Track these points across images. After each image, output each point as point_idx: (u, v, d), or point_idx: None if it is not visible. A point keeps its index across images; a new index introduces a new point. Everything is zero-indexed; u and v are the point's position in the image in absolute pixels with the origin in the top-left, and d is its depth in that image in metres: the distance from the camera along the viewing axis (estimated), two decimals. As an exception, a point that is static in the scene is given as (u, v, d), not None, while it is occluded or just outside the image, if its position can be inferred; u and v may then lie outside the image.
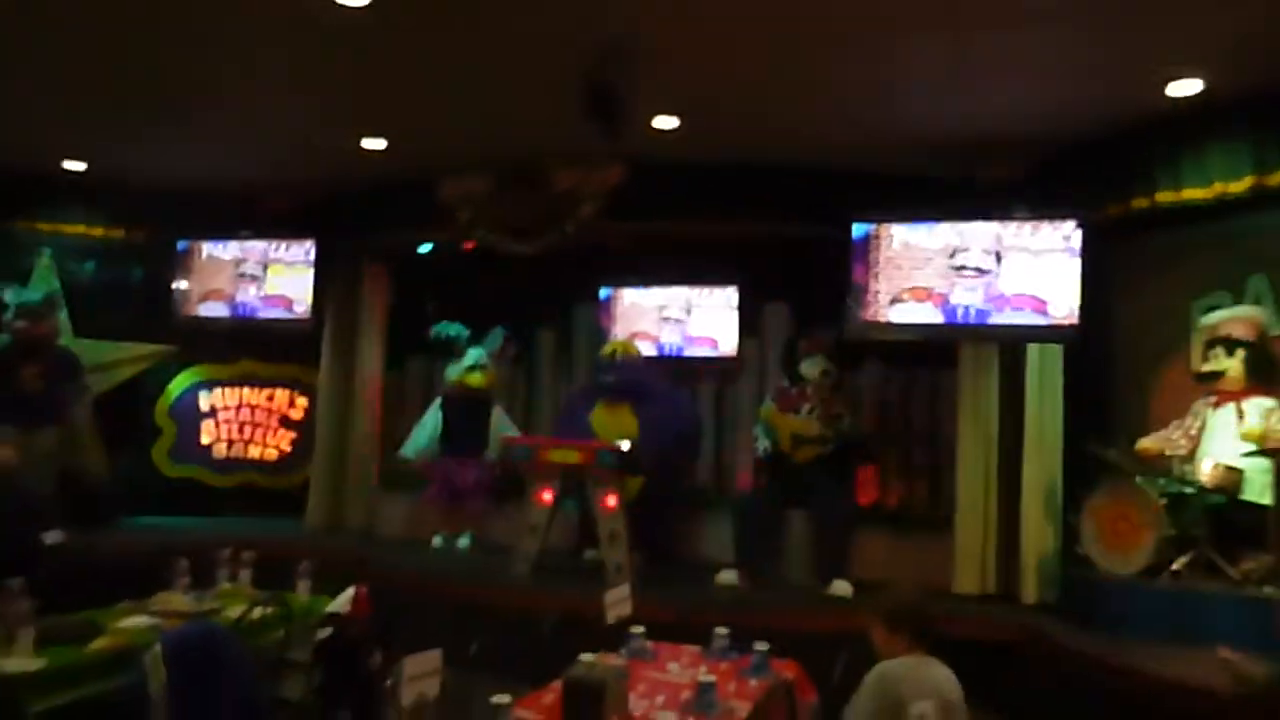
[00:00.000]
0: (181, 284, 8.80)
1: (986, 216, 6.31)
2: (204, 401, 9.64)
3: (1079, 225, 6.09)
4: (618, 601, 4.03)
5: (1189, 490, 5.62)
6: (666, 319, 8.36)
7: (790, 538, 7.19)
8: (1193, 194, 5.77)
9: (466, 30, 5.11)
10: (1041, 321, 6.18)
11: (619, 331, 8.33)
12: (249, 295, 8.59)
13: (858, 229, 6.54)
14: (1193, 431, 5.88)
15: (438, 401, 8.40)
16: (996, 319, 6.29)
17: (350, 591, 4.34)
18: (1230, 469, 5.51)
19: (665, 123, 6.31)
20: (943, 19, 4.77)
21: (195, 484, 9.45)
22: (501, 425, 8.26)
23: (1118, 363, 6.82)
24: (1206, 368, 5.91)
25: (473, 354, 8.19)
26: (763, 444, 7.15)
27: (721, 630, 4.14)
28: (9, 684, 3.27)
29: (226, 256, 8.65)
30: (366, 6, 4.72)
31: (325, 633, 4.23)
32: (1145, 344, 6.69)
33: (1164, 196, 5.90)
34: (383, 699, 4.23)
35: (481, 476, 8.12)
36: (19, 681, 3.36)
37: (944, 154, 6.50)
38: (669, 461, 7.44)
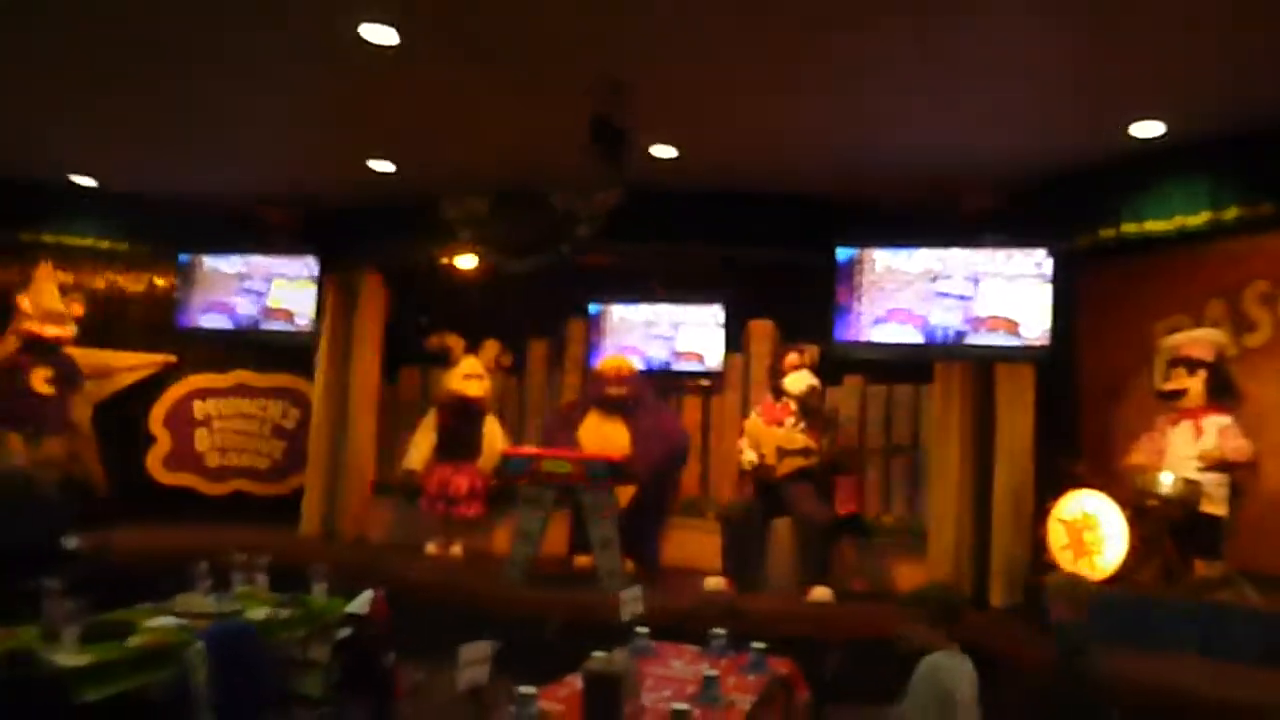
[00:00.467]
0: (183, 295, 8.96)
1: (963, 244, 6.63)
2: (198, 410, 9.81)
3: (1049, 253, 6.43)
4: (631, 600, 4.32)
5: (1150, 502, 5.97)
6: (653, 334, 8.59)
7: (774, 546, 7.49)
8: (1155, 226, 6.13)
9: (483, 66, 5.40)
10: (1014, 342, 6.50)
11: (608, 346, 8.57)
12: (251, 308, 8.76)
13: (842, 253, 6.85)
14: (1160, 447, 6.22)
15: (433, 412, 8.62)
16: (972, 339, 6.61)
17: (368, 594, 4.60)
18: (1189, 482, 5.86)
19: (663, 151, 6.62)
20: (927, 66, 5.11)
21: (188, 492, 9.61)
22: (494, 435, 8.48)
23: (1085, 381, 7.18)
24: (1168, 386, 6.27)
25: (468, 364, 8.43)
26: (748, 456, 7.40)
27: (719, 630, 4.43)
28: (61, 676, 3.50)
29: (229, 270, 8.83)
30: (395, 45, 5.01)
31: (345, 632, 4.48)
32: (1111, 364, 7.06)
33: (1128, 228, 6.25)
34: (396, 696, 4.53)
35: (474, 484, 8.33)
36: (69, 674, 3.59)
37: (925, 185, 6.85)
38: (659, 472, 7.71)
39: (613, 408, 7.74)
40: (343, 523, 9.10)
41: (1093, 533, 6.02)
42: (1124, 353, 6.98)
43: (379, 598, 4.59)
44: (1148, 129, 5.85)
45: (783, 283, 8.01)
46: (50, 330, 8.23)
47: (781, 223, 7.55)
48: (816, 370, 7.41)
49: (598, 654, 3.66)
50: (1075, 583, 5.10)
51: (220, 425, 9.87)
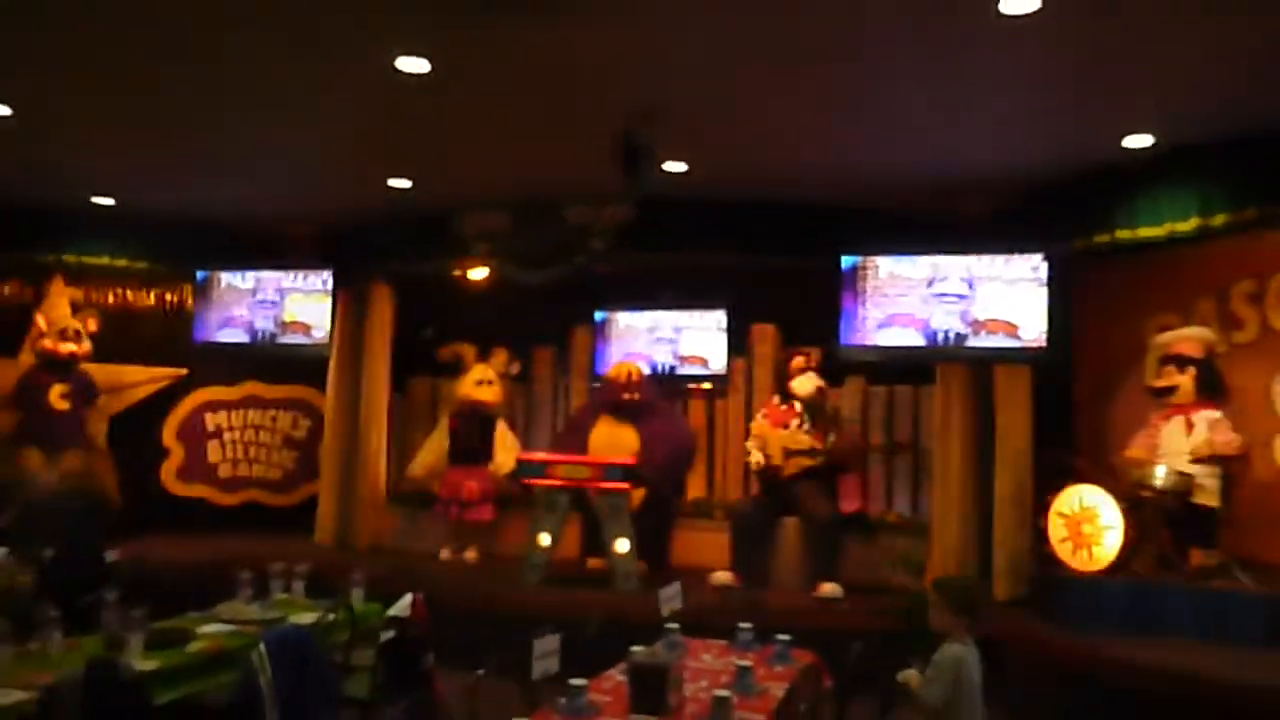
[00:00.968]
0: (198, 310, 9.14)
1: (963, 249, 6.87)
2: (210, 423, 9.97)
3: (1046, 258, 6.67)
4: (671, 597, 4.54)
5: (1146, 494, 6.22)
6: (659, 339, 8.78)
7: (782, 544, 7.71)
8: (1147, 232, 6.39)
9: (507, 92, 5.63)
10: (1012, 343, 6.74)
11: (614, 352, 8.76)
12: (265, 322, 8.93)
13: (845, 259, 7.08)
14: (1154, 441, 6.47)
15: (445, 420, 8.82)
16: (972, 341, 6.84)
17: (408, 598, 4.81)
18: (1182, 475, 6.12)
19: (675, 166, 6.86)
20: (928, 83, 5.37)
21: (201, 502, 9.79)
22: (506, 440, 8.67)
23: (1081, 379, 7.44)
24: (1160, 383, 6.53)
25: (479, 370, 8.63)
26: (755, 457, 7.63)
27: (745, 625, 4.64)
28: (142, 679, 3.70)
29: (245, 285, 9.00)
30: (427, 73, 5.22)
31: (388, 635, 4.70)
32: (1105, 362, 7.32)
33: (1122, 234, 6.51)
34: (435, 694, 4.74)
35: (486, 488, 8.52)
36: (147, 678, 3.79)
37: (925, 194, 7.11)
38: (668, 474, 7.93)
39: (622, 412, 7.96)
40: (356, 531, 9.28)
41: (1091, 525, 6.24)
42: (1118, 352, 7.24)
43: (418, 601, 4.80)
44: (1138, 141, 6.13)
45: (786, 287, 8.23)
46: (66, 348, 8.39)
47: (785, 230, 7.78)
48: (821, 372, 7.63)
49: (637, 648, 3.88)
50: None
51: (232, 437, 10.04)
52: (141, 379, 9.54)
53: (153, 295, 9.74)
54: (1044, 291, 6.61)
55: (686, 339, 8.72)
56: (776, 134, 6.32)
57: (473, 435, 8.62)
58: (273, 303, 8.86)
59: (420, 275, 8.92)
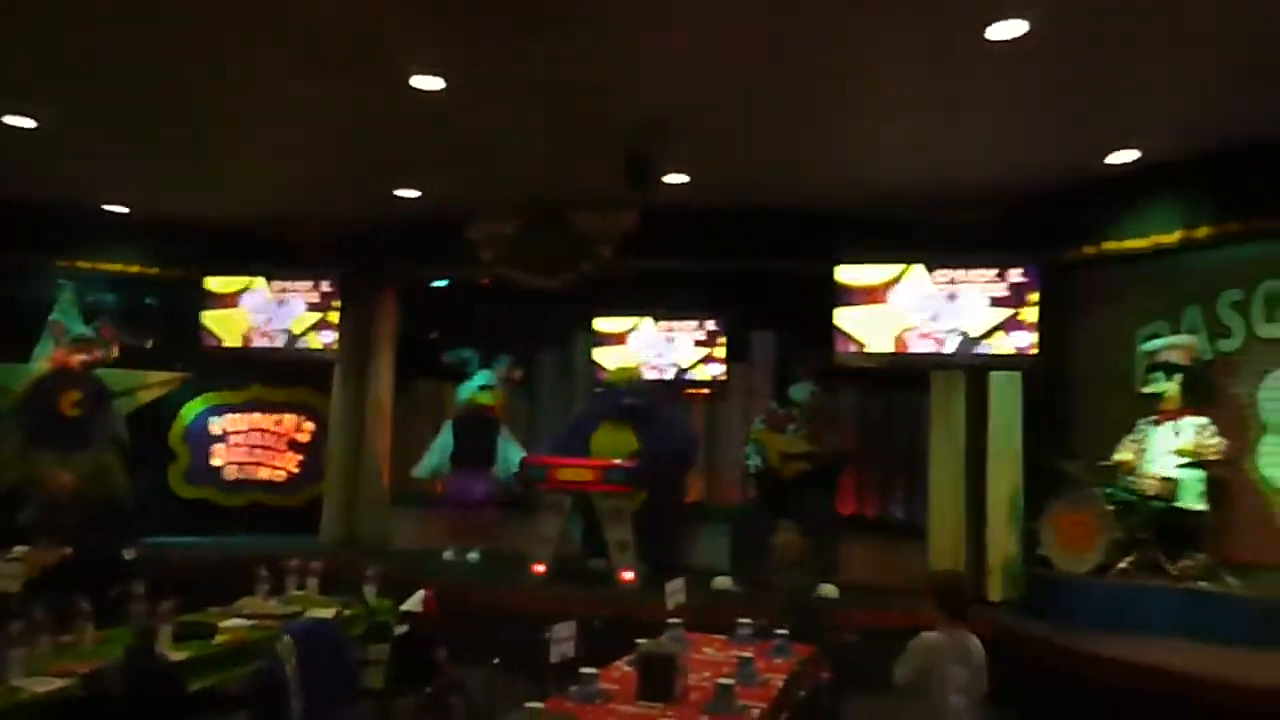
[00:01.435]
0: (208, 315, 9.29)
1: (957, 259, 7.06)
2: (215, 426, 10.12)
3: (1038, 268, 6.85)
4: (675, 591, 4.72)
5: (1134, 498, 6.41)
6: (659, 344, 8.96)
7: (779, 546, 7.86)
8: (1133, 243, 6.60)
9: (517, 106, 5.83)
10: (1006, 350, 6.91)
11: (616, 358, 8.92)
12: (273, 326, 9.09)
13: (841, 267, 7.25)
14: (1142, 446, 6.65)
15: (449, 423, 8.99)
16: (966, 348, 7.02)
17: (420, 594, 4.98)
18: (1168, 479, 6.31)
19: (677, 178, 7.06)
20: (922, 101, 5.58)
21: (207, 504, 9.93)
22: (508, 444, 8.83)
23: (1071, 385, 7.61)
24: (1148, 389, 6.71)
25: (483, 375, 8.80)
26: (754, 461, 7.79)
27: (745, 620, 4.82)
28: (177, 667, 3.87)
29: (253, 289, 9.17)
30: (442, 90, 5.42)
31: (402, 629, 4.87)
32: (1095, 369, 7.48)
33: (1110, 245, 6.71)
34: (446, 685, 4.90)
35: (489, 491, 8.67)
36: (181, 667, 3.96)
37: (921, 206, 7.32)
38: (669, 477, 8.09)
39: (623, 416, 8.11)
40: (361, 531, 9.44)
41: (1081, 528, 6.42)
42: (1107, 359, 7.41)
43: (430, 596, 4.96)
44: (1124, 156, 6.35)
45: (784, 294, 8.41)
46: (78, 358, 8.50)
47: (783, 239, 7.97)
48: (818, 378, 7.80)
49: (643, 640, 4.06)
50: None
51: (237, 440, 10.19)
52: (148, 382, 9.67)
53: (162, 300, 9.89)
54: (1036, 300, 6.79)
55: (686, 344, 8.90)
56: (775, 148, 6.54)
57: (476, 439, 8.76)
58: (279, 307, 9.01)
59: (427, 281, 9.07)
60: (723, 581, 7.46)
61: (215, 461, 10.06)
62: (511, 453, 8.71)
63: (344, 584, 6.11)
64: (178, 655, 4.07)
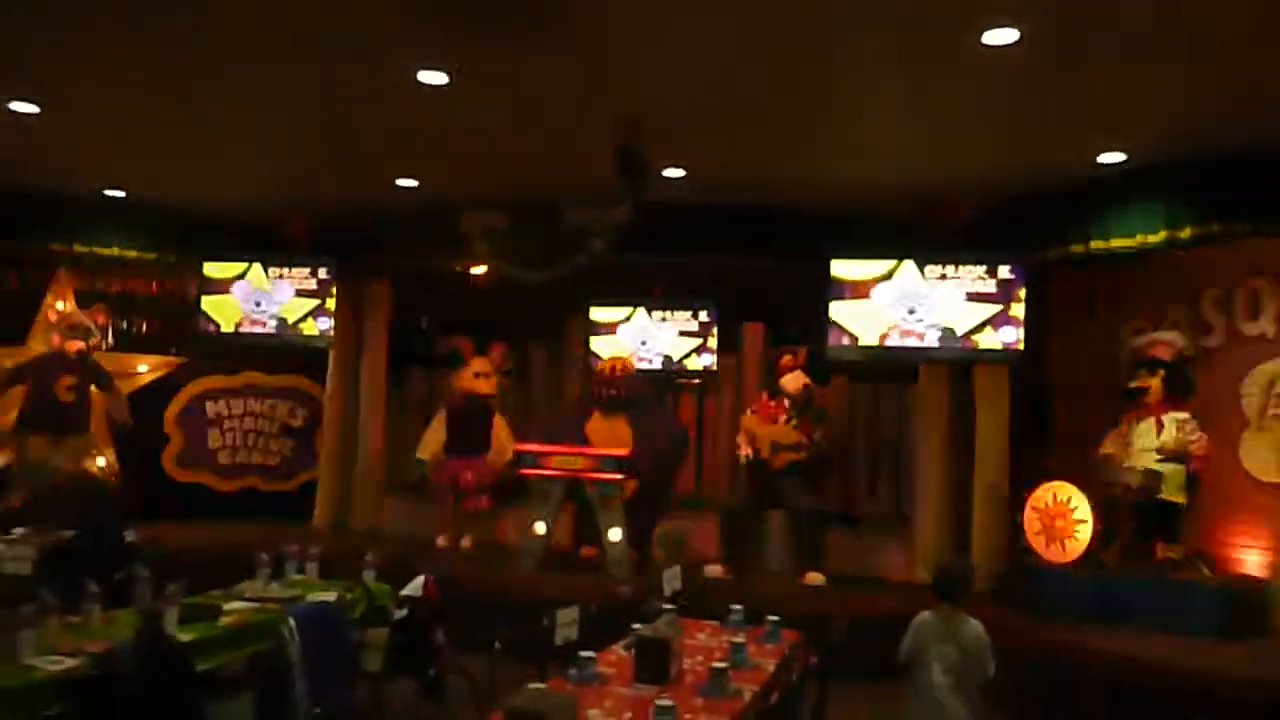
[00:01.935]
0: (202, 300, 9.34)
1: (946, 255, 7.17)
2: (210, 410, 10.18)
3: (1024, 265, 6.98)
4: (671, 579, 4.84)
5: (1116, 491, 6.55)
6: (651, 335, 9.02)
7: (769, 535, 8.01)
8: (1119, 243, 6.71)
9: (516, 101, 5.91)
10: (992, 345, 7.04)
11: (607, 347, 9.01)
12: (268, 312, 9.17)
13: (831, 262, 7.36)
14: (1126, 440, 6.79)
15: (443, 410, 9.06)
16: (952, 343, 7.15)
17: (420, 579, 5.08)
18: (1150, 472, 6.44)
19: (672, 172, 7.17)
20: (915, 103, 5.70)
21: (201, 488, 9.99)
22: (502, 432, 8.87)
23: (1056, 381, 7.76)
24: (1132, 384, 6.84)
25: (477, 364, 8.86)
26: (744, 451, 7.88)
27: (736, 606, 4.94)
28: (186, 648, 3.97)
29: (248, 275, 9.20)
30: (445, 84, 5.51)
31: (402, 613, 4.97)
32: (1079, 365, 7.63)
33: (1096, 244, 6.81)
34: (445, 670, 5.01)
35: (482, 478, 8.71)
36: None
37: (910, 203, 7.44)
38: (660, 466, 8.17)
39: (614, 405, 8.19)
40: (355, 517, 9.54)
41: (1064, 519, 6.57)
42: (1092, 355, 7.56)
43: (429, 581, 5.06)
44: (1110, 157, 6.48)
45: (775, 288, 8.52)
46: (75, 345, 8.54)
47: (775, 233, 8.08)
48: (807, 370, 7.92)
49: (638, 625, 4.17)
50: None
51: (231, 424, 10.25)
52: (143, 367, 9.74)
53: (156, 284, 9.95)
54: (1022, 296, 6.92)
55: (679, 336, 8.97)
56: (768, 146, 6.64)
57: (470, 426, 8.82)
58: (269, 294, 9.10)
59: (419, 270, 9.15)
60: (713, 569, 7.58)
61: (210, 445, 10.12)
62: (505, 441, 8.77)
63: (341, 569, 6.21)
64: (185, 637, 4.17)
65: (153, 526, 8.13)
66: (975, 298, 7.02)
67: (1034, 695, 5.85)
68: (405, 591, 5.00)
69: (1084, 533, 6.47)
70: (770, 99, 5.74)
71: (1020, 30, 4.59)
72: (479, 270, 8.72)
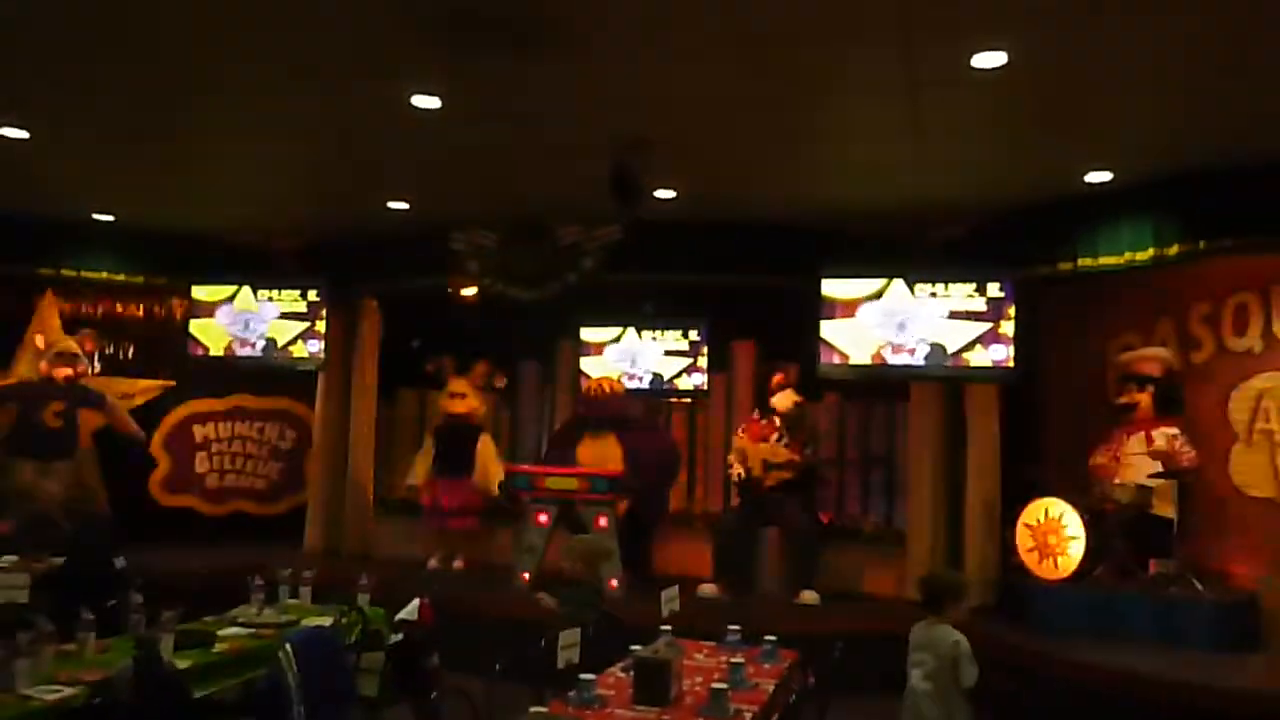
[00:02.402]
0: (191, 324, 9.30)
1: (936, 273, 7.20)
2: (198, 434, 10.11)
3: (1014, 282, 7.02)
4: (670, 599, 4.84)
5: (1107, 506, 6.59)
6: (642, 355, 8.99)
7: (763, 554, 8.01)
8: (1107, 260, 6.75)
9: (508, 124, 5.92)
10: (982, 362, 7.08)
11: (597, 366, 8.99)
12: (257, 335, 9.13)
13: (821, 280, 7.40)
14: (1117, 455, 6.84)
15: (432, 432, 9.04)
16: (943, 360, 7.18)
17: (415, 602, 5.05)
18: (1141, 487, 6.49)
19: (664, 193, 7.19)
20: (904, 124, 5.73)
21: (189, 512, 9.92)
22: (488, 452, 8.80)
23: (1046, 397, 7.80)
24: (1122, 400, 6.91)
25: (454, 383, 8.82)
26: (736, 470, 7.90)
27: (734, 627, 4.94)
28: (182, 675, 3.94)
29: (237, 298, 9.17)
30: (438, 108, 5.54)
31: (397, 637, 4.94)
32: (1069, 381, 7.69)
33: (1085, 261, 6.86)
34: (441, 693, 4.98)
35: (468, 500, 8.66)
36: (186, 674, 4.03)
37: (899, 221, 7.49)
38: (651, 486, 8.18)
39: (605, 425, 8.19)
40: (345, 540, 9.49)
41: (1056, 535, 6.61)
42: (1081, 371, 7.62)
43: (424, 604, 5.04)
44: (1097, 176, 6.55)
45: (765, 306, 8.54)
46: (61, 372, 8.47)
47: (765, 252, 8.11)
48: (799, 388, 7.94)
49: (637, 647, 4.16)
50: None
51: (219, 448, 10.19)
52: (130, 390, 9.67)
53: (143, 308, 9.91)
54: (1011, 314, 6.97)
55: (669, 355, 8.95)
56: (758, 167, 6.70)
57: (453, 447, 8.76)
58: (265, 319, 9.07)
59: (410, 291, 9.15)
60: (708, 589, 7.57)
61: (198, 469, 10.05)
62: (491, 461, 8.72)
63: (334, 593, 6.17)
64: (180, 664, 4.13)
65: (141, 552, 8.14)
66: (965, 315, 7.06)
67: (1029, 709, 5.88)
68: (400, 615, 4.98)
69: (1075, 549, 6.49)
70: (762, 120, 5.77)
71: (1008, 53, 4.65)
72: (469, 291, 8.71)
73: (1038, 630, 6.40)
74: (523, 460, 9.10)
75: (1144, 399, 6.80)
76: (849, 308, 7.34)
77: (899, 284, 7.25)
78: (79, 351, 8.62)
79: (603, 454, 8.07)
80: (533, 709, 3.31)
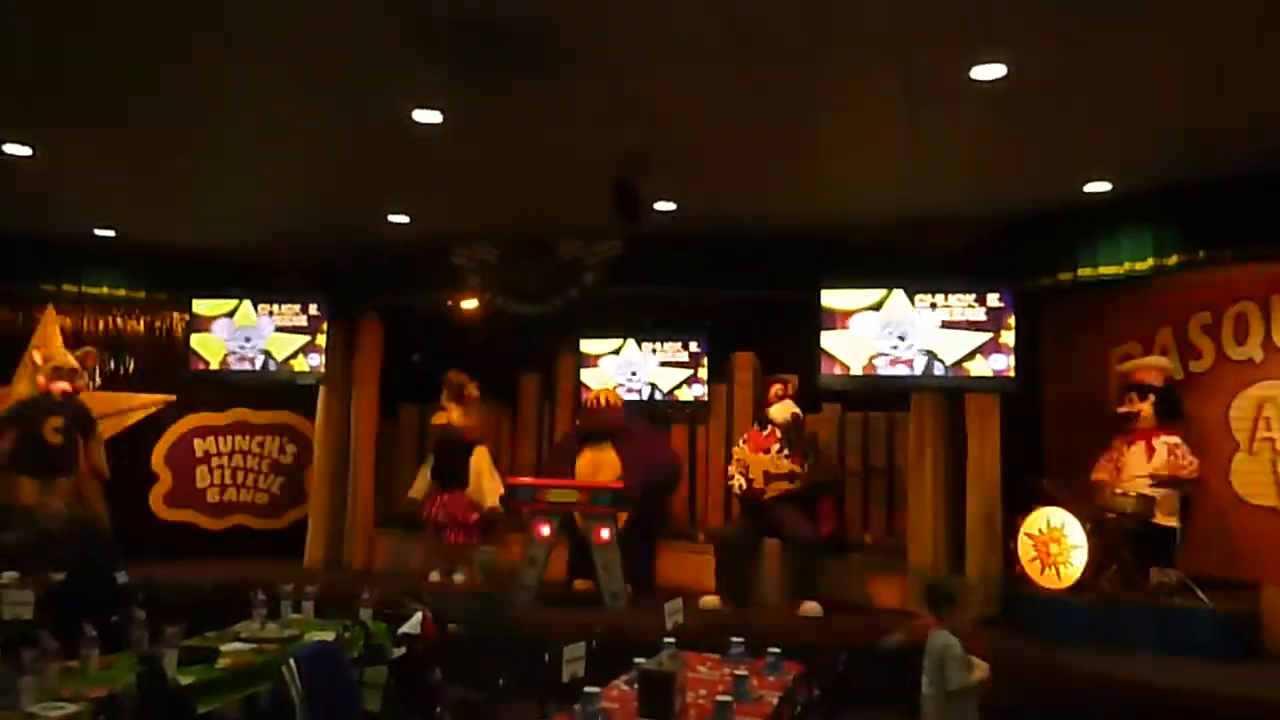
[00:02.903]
0: (192, 339, 9.31)
1: (936, 284, 7.23)
2: (199, 448, 10.11)
3: (1014, 292, 7.05)
4: (674, 612, 4.83)
5: (1109, 515, 6.58)
6: (642, 367, 9.05)
7: (764, 565, 8.00)
8: (1107, 270, 6.79)
9: (509, 138, 5.97)
10: (983, 372, 7.09)
11: (596, 378, 9.00)
12: (258, 350, 9.15)
13: (821, 292, 7.42)
14: (1118, 464, 6.84)
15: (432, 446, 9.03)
16: (943, 370, 7.20)
17: (418, 616, 5.05)
18: (1143, 497, 6.49)
19: (664, 206, 7.22)
20: (905, 135, 5.76)
21: (189, 527, 9.92)
22: (482, 465, 8.72)
23: (1047, 407, 7.81)
24: (1123, 409, 6.91)
25: (445, 397, 8.74)
26: (737, 481, 7.91)
27: (737, 639, 4.94)
28: (186, 691, 3.94)
29: (239, 313, 9.21)
30: (440, 123, 5.55)
31: (400, 651, 4.93)
32: (1070, 390, 7.69)
33: (1085, 271, 6.89)
34: (444, 708, 4.97)
35: (465, 513, 8.58)
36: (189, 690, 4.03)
37: (899, 233, 7.51)
38: (651, 498, 8.16)
39: (604, 437, 8.19)
40: (347, 554, 9.47)
41: (1058, 545, 6.60)
42: (1082, 380, 7.62)
43: (426, 619, 5.04)
44: (1097, 187, 6.58)
45: (765, 318, 8.56)
46: (59, 387, 8.48)
47: (765, 264, 8.13)
48: (799, 399, 7.95)
49: (640, 660, 4.17)
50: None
51: (220, 462, 10.19)
52: (132, 405, 9.68)
53: (144, 323, 9.93)
54: (1012, 324, 6.98)
55: (669, 367, 8.99)
56: (758, 179, 6.73)
57: (448, 460, 8.71)
58: (254, 330, 9.09)
59: (411, 305, 9.16)
60: (710, 600, 7.56)
61: (198, 484, 10.04)
62: (485, 474, 8.65)
63: (335, 607, 6.18)
64: (184, 679, 4.13)
65: (142, 566, 8.13)
66: (965, 326, 7.07)
67: (1034, 718, 5.87)
68: (403, 629, 4.97)
69: (1078, 559, 6.49)
70: (762, 133, 5.80)
71: (1007, 65, 4.68)
72: (470, 304, 8.72)
73: (1040, 640, 6.38)
74: (524, 473, 9.08)
75: (1145, 408, 6.80)
76: (849, 319, 7.35)
77: (899, 295, 7.27)
78: (77, 366, 8.63)
79: (601, 466, 8.07)
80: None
